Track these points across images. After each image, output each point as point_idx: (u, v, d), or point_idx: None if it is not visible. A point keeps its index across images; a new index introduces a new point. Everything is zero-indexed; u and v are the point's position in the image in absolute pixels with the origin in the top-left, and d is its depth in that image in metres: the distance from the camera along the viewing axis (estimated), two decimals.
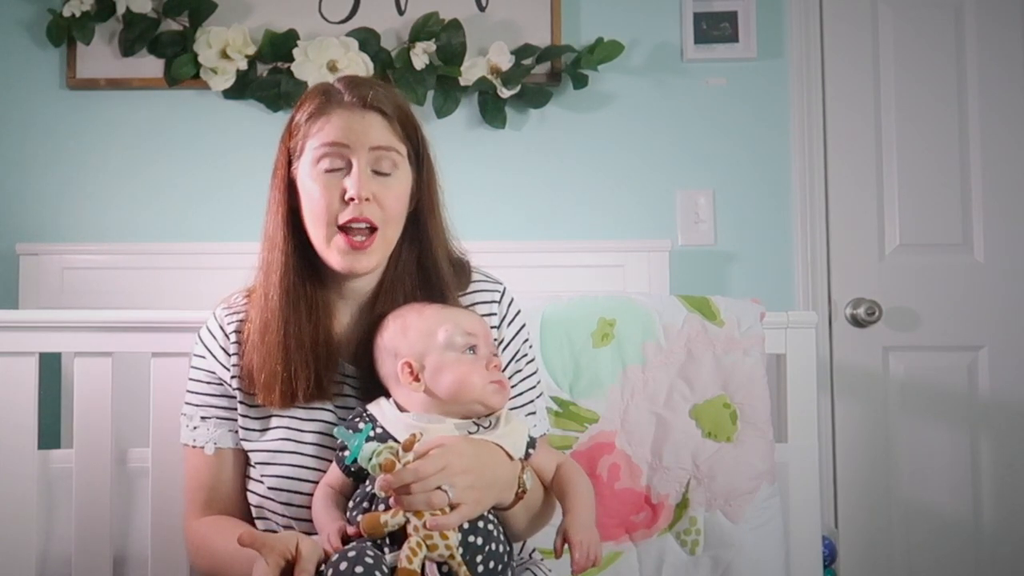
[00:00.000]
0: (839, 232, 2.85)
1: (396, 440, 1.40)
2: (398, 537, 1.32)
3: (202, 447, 1.56)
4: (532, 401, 1.62)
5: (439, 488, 1.32)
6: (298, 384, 1.49)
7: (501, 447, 1.42)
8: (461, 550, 1.33)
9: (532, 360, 1.65)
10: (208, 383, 1.58)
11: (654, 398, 1.96)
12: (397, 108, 1.53)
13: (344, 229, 1.48)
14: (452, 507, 1.33)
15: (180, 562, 1.83)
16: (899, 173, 2.86)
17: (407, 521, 1.32)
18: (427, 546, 1.31)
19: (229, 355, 1.56)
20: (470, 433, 1.43)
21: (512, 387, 1.59)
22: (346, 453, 1.40)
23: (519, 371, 1.61)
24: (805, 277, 2.83)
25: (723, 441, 1.95)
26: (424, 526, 1.31)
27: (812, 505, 2.03)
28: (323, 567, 1.30)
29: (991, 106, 2.87)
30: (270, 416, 1.54)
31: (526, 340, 1.63)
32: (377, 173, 1.50)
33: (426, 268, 1.56)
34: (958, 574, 2.80)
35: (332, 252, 1.49)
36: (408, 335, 1.48)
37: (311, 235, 1.51)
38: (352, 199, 1.47)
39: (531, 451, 1.49)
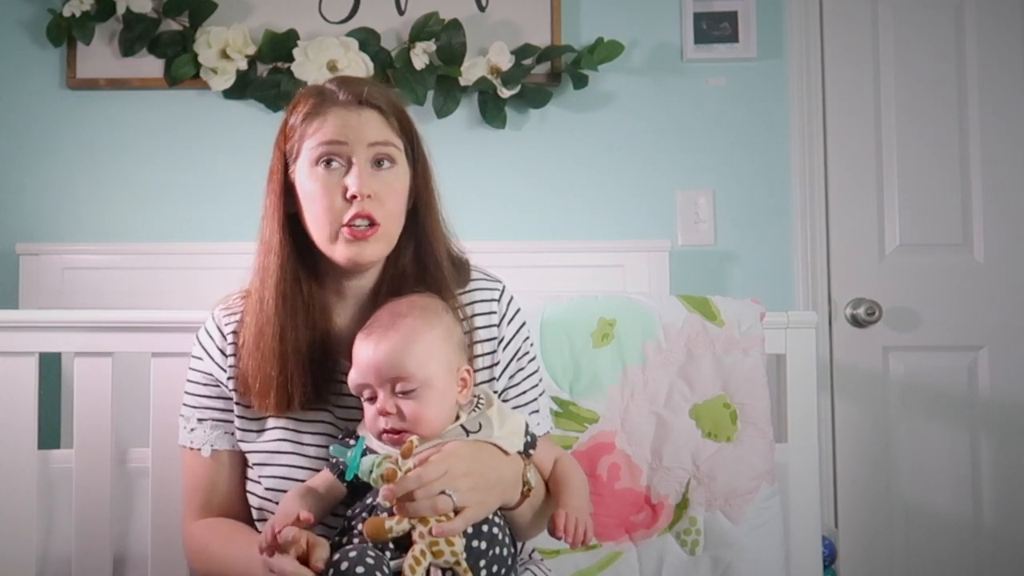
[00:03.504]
0: (839, 232, 2.85)
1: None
2: (401, 541, 1.32)
3: (199, 449, 1.56)
4: (535, 399, 1.62)
5: (443, 493, 1.32)
6: (294, 390, 1.49)
7: (498, 446, 1.42)
8: (466, 554, 1.33)
9: (534, 358, 1.64)
10: (205, 385, 1.58)
11: (654, 398, 1.96)
12: (392, 104, 1.53)
13: (346, 225, 1.47)
14: (456, 511, 1.33)
15: (180, 562, 1.82)
16: (899, 173, 2.86)
17: (412, 528, 1.31)
18: (432, 553, 1.30)
19: (226, 356, 1.55)
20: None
21: (514, 386, 1.59)
22: (345, 459, 1.38)
23: (521, 369, 1.61)
24: (805, 277, 2.83)
25: (723, 441, 1.95)
26: (429, 532, 1.31)
27: (812, 505, 2.03)
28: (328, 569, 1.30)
29: (991, 106, 2.87)
30: (266, 417, 1.53)
31: (527, 338, 1.63)
32: (376, 169, 1.49)
33: (426, 264, 1.55)
34: (958, 574, 2.80)
35: (338, 246, 1.48)
36: None
37: (314, 235, 1.50)
38: (354, 196, 1.46)
39: (531, 451, 1.49)
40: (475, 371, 1.51)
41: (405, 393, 1.40)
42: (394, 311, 1.45)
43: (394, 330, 1.42)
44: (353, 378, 1.43)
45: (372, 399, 1.42)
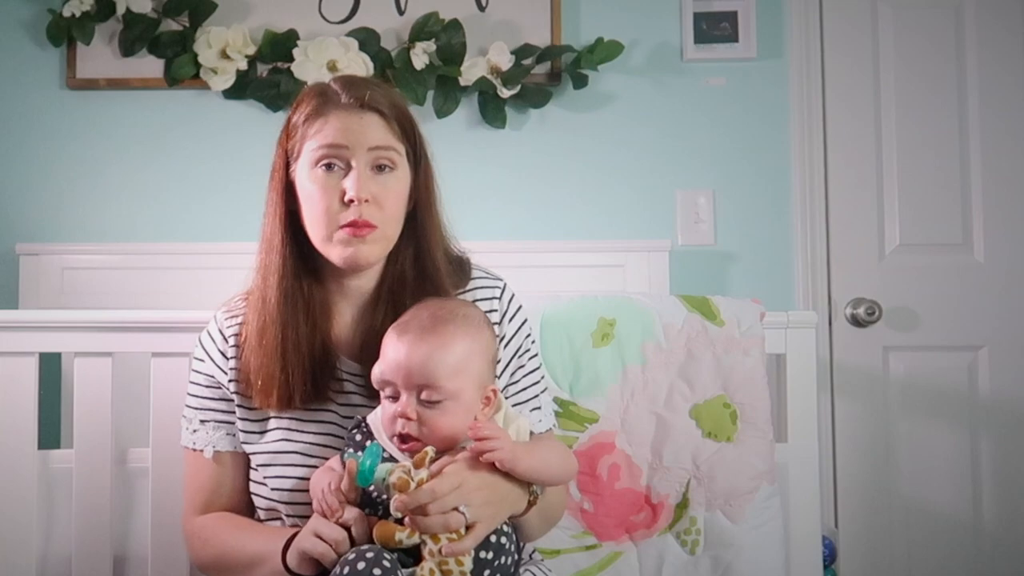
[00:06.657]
0: (839, 232, 2.85)
1: (393, 456, 1.38)
2: (410, 548, 1.31)
3: (201, 450, 1.57)
4: (537, 396, 1.62)
5: (455, 509, 1.31)
6: (295, 387, 1.49)
7: None
8: (473, 567, 1.33)
9: (535, 355, 1.64)
10: (207, 387, 1.58)
11: (654, 398, 1.96)
12: (394, 107, 1.53)
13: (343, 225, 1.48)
14: (467, 527, 1.32)
15: (180, 562, 1.83)
16: (899, 173, 2.86)
17: (423, 543, 1.30)
18: (441, 571, 1.30)
19: (227, 359, 1.56)
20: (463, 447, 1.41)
21: (515, 383, 1.59)
22: (357, 453, 1.37)
23: (522, 366, 1.60)
24: (805, 277, 2.83)
25: (723, 441, 1.95)
26: (440, 552, 1.29)
27: (812, 505, 2.03)
28: (337, 567, 1.29)
29: (991, 106, 2.87)
30: (268, 418, 1.54)
31: (528, 335, 1.63)
32: (376, 173, 1.49)
33: (424, 266, 1.55)
34: (958, 574, 2.80)
35: (335, 246, 1.48)
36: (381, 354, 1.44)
37: (311, 235, 1.50)
38: (352, 200, 1.46)
39: None
40: None
41: (430, 402, 1.37)
42: (436, 314, 1.43)
43: (434, 335, 1.39)
44: (378, 373, 1.41)
45: (393, 398, 1.39)
